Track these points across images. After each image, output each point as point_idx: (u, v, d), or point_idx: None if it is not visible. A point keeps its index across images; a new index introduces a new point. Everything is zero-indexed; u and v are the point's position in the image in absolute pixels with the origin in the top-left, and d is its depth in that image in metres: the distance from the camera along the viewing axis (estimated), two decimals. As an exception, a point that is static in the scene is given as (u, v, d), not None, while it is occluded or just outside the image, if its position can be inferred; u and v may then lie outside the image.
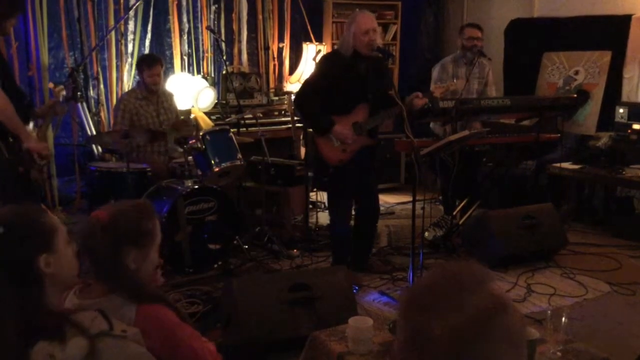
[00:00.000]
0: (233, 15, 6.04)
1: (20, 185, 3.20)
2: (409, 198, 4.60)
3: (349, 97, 3.63)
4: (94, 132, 5.12)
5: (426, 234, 4.30)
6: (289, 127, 5.55)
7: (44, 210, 1.50)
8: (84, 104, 5.13)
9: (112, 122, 4.86)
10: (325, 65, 3.75)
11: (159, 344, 1.51)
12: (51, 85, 3.92)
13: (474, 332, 0.90)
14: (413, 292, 0.99)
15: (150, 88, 4.41)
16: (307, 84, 3.80)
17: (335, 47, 3.95)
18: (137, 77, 4.98)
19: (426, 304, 0.93)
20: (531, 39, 6.01)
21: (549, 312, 2.33)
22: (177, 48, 5.75)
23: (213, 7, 5.88)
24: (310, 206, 4.97)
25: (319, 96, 3.68)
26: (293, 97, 4.17)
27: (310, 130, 3.90)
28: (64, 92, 3.79)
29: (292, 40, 6.41)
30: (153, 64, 4.40)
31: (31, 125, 3.47)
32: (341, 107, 3.63)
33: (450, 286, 0.95)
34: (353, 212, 4.00)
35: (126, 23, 5.44)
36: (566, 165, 5.03)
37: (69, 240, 1.49)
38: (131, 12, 5.40)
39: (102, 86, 5.36)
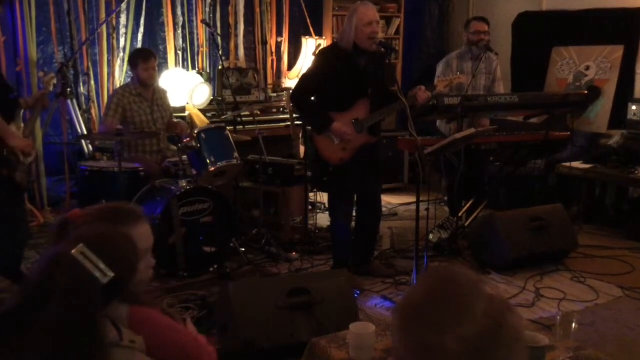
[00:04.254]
0: (229, 8, 6.04)
1: (4, 190, 3.19)
2: (412, 199, 4.60)
3: (348, 92, 3.63)
4: (85, 130, 5.12)
5: (431, 236, 4.30)
6: (288, 125, 5.56)
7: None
8: (74, 101, 5.13)
9: (103, 114, 4.84)
10: (323, 59, 3.74)
11: (153, 345, 1.53)
12: (41, 74, 3.87)
13: (490, 338, 0.91)
14: (411, 305, 0.98)
15: (145, 83, 4.41)
16: (305, 79, 3.80)
17: (335, 40, 3.95)
18: (130, 73, 4.98)
19: (432, 318, 0.93)
20: (540, 33, 6.01)
21: (559, 317, 2.33)
22: (171, 42, 5.75)
23: (209, 0, 5.89)
24: (310, 207, 4.97)
25: (317, 92, 3.68)
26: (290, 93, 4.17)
27: (309, 128, 3.91)
28: (54, 81, 3.76)
29: (290, 35, 6.41)
30: (148, 57, 4.40)
31: (21, 122, 3.46)
32: (340, 103, 3.63)
33: (452, 295, 0.95)
34: (354, 214, 4.00)
35: (118, 16, 5.44)
36: (577, 164, 5.03)
37: None
38: (123, 5, 5.41)
39: (92, 82, 5.37)
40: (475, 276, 0.98)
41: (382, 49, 3.62)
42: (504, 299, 0.96)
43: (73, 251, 1.28)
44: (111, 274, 1.29)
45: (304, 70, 5.86)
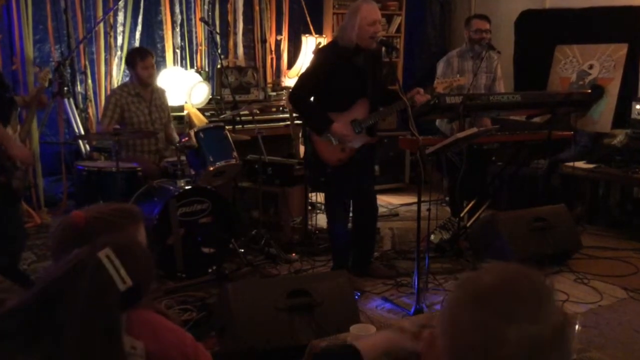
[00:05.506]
0: (228, 6, 6.04)
1: (0, 196, 3.19)
2: (414, 199, 4.59)
3: (347, 92, 3.63)
4: (82, 130, 5.12)
5: (432, 237, 4.30)
6: (288, 124, 5.55)
7: None
8: (71, 100, 5.13)
9: (100, 115, 4.84)
10: (322, 58, 3.74)
11: (153, 348, 1.53)
12: (36, 69, 3.83)
13: (551, 343, 0.96)
14: (482, 286, 1.01)
15: (144, 81, 4.40)
16: (303, 79, 3.79)
17: (334, 38, 3.94)
18: (127, 72, 4.98)
19: (503, 308, 0.97)
20: (543, 31, 6.01)
21: (562, 319, 2.32)
22: (169, 41, 5.75)
23: (207, -2, 5.89)
24: (310, 207, 4.97)
25: (316, 92, 3.68)
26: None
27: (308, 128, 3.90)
28: (50, 76, 3.73)
29: (290, 33, 6.42)
30: (146, 56, 4.40)
31: (17, 123, 3.45)
32: (339, 103, 3.63)
33: (529, 291, 0.99)
34: (351, 214, 4.00)
35: (115, 14, 5.44)
36: (580, 164, 5.03)
37: None
38: (120, 3, 5.41)
39: (90, 81, 5.37)
40: (549, 283, 1.03)
41: (382, 47, 3.62)
42: (568, 313, 1.04)
43: (99, 253, 1.30)
44: (130, 283, 1.31)
45: (304, 69, 5.87)
